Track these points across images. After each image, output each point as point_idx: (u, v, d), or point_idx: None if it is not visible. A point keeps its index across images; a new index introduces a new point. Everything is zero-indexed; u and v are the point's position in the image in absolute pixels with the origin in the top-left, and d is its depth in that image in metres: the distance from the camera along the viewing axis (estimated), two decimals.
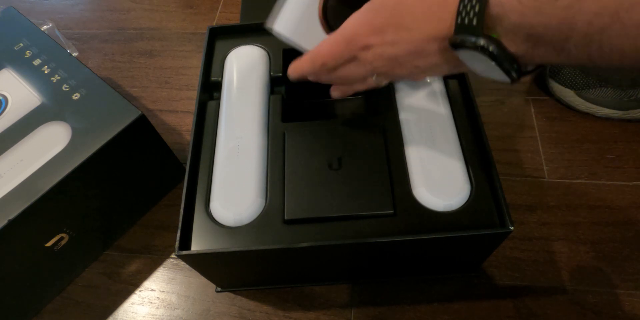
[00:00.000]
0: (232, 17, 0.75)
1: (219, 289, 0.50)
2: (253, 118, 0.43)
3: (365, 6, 0.32)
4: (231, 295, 0.50)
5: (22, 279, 0.46)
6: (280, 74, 0.47)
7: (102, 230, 0.52)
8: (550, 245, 0.49)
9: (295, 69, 0.38)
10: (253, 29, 0.51)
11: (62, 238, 0.46)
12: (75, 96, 0.46)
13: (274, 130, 0.43)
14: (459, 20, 0.27)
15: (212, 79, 0.47)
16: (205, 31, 0.49)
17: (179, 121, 0.64)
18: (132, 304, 0.51)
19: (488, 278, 0.48)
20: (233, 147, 0.41)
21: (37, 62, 0.50)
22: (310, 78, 0.38)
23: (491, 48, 0.26)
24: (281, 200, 0.38)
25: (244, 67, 0.47)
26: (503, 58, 0.26)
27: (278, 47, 0.48)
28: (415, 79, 0.41)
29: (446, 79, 0.44)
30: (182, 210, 0.38)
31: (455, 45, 0.27)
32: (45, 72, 0.49)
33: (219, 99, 0.46)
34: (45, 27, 0.70)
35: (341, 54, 0.34)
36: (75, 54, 0.72)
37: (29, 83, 0.48)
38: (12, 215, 0.39)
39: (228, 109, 0.44)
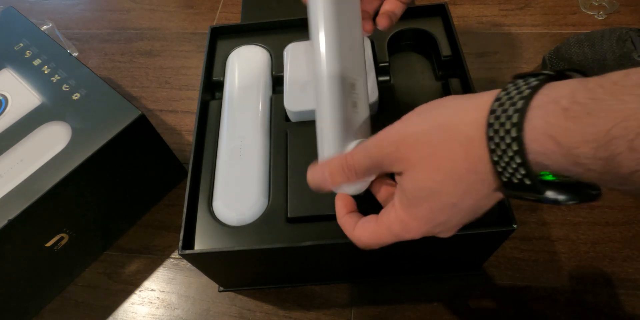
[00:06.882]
0: (232, 17, 0.75)
1: (221, 288, 0.50)
2: (255, 117, 0.43)
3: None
4: (231, 295, 0.50)
5: (22, 279, 0.46)
6: (282, 74, 0.47)
7: (102, 230, 0.52)
8: (550, 245, 0.49)
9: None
10: (254, 29, 0.51)
11: (62, 238, 0.46)
12: (75, 96, 0.46)
13: (276, 129, 0.43)
14: (504, 179, 0.23)
15: (214, 78, 0.47)
16: (206, 31, 0.49)
17: (179, 121, 0.64)
18: (132, 304, 0.51)
19: (488, 278, 0.48)
20: (235, 146, 0.41)
21: (37, 62, 0.50)
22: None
23: (561, 198, 0.23)
24: (284, 199, 0.38)
25: (246, 67, 0.47)
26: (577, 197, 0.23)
27: (280, 46, 0.48)
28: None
29: (447, 79, 0.44)
30: (185, 210, 0.38)
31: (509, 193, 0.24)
32: (45, 72, 0.49)
33: (220, 98, 0.46)
34: (45, 27, 0.70)
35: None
36: (75, 54, 0.72)
37: (29, 83, 0.48)
38: (12, 215, 0.39)
39: (230, 109, 0.44)
